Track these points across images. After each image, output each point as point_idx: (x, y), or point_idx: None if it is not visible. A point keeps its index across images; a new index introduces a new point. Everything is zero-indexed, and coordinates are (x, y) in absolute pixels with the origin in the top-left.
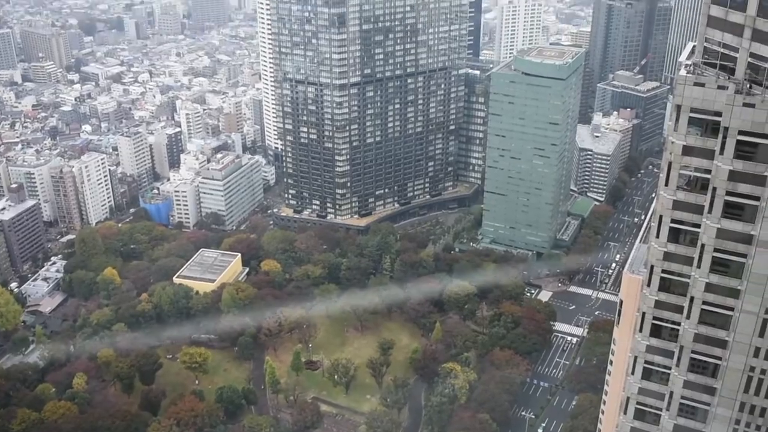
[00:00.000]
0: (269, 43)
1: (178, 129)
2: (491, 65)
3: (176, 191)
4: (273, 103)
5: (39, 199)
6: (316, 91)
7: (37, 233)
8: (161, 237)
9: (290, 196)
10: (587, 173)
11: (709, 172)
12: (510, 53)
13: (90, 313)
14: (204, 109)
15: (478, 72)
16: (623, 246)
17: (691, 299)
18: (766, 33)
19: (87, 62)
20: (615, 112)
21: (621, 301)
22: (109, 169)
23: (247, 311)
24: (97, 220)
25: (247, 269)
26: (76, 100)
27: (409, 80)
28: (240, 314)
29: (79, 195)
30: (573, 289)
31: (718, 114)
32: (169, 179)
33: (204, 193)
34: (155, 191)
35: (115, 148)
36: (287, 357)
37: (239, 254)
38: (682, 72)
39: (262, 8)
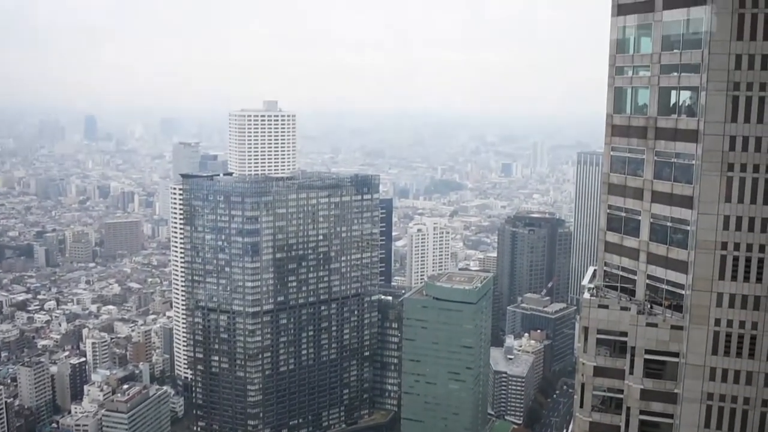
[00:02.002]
0: (182, 271)
1: (83, 359)
2: (403, 291)
3: (77, 425)
4: (184, 332)
5: None
6: (228, 319)
7: None
8: None
9: (200, 429)
10: (503, 396)
11: (621, 391)
12: (421, 279)
13: None
14: (112, 338)
15: (390, 298)
16: None
17: None
18: (660, 256)
19: None
20: (526, 334)
21: None
22: (6, 402)
23: None
24: None
25: None
26: None
27: (323, 307)
28: None
29: None
30: None
31: (624, 334)
32: (70, 412)
33: (107, 426)
34: (54, 425)
35: (13, 379)
36: None
37: None
38: (586, 295)
39: (175, 237)
